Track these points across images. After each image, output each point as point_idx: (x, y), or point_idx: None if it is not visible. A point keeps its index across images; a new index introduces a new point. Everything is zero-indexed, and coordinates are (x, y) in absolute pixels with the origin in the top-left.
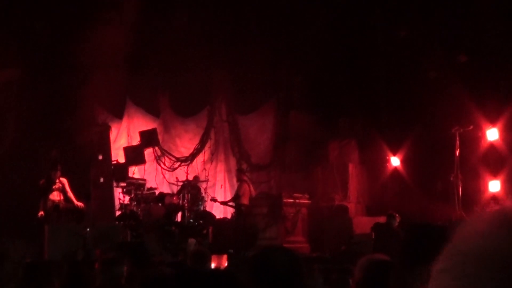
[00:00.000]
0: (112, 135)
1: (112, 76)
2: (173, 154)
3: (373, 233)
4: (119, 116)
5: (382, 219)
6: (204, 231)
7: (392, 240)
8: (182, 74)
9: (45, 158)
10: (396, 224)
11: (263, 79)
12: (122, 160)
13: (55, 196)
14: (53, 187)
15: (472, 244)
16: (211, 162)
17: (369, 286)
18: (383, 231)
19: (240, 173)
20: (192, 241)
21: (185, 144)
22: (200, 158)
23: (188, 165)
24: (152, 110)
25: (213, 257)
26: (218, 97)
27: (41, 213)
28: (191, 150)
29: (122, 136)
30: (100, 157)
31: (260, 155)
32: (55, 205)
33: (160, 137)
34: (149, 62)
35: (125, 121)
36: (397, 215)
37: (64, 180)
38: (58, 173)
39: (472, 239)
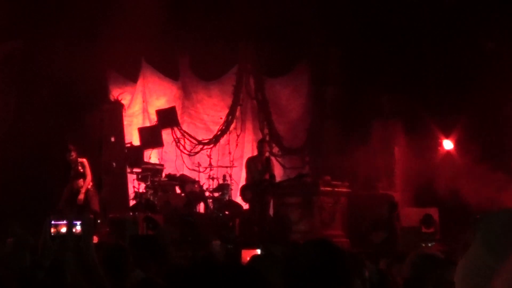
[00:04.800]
0: (126, 100)
1: (125, 35)
2: (195, 122)
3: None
4: (133, 79)
5: (432, 211)
6: (230, 224)
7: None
8: (205, 33)
9: (51, 138)
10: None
11: (295, 41)
12: (137, 142)
13: (77, 183)
14: (72, 173)
15: None
16: (237, 145)
17: (420, 282)
18: None
19: (263, 144)
20: (216, 243)
21: (207, 111)
22: (224, 141)
23: (211, 148)
24: (170, 73)
25: (244, 252)
26: (245, 58)
27: (59, 206)
28: (214, 119)
29: (137, 102)
30: (112, 139)
31: (293, 132)
32: (76, 194)
33: (179, 102)
34: (167, 21)
35: (139, 85)
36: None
37: (83, 160)
38: (72, 154)
39: None
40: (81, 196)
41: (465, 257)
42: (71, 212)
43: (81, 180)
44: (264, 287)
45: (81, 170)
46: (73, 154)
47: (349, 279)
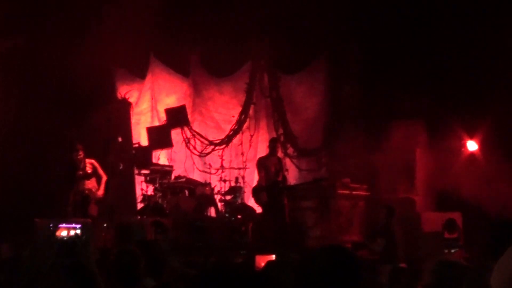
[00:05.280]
0: (133, 98)
1: (133, 30)
2: (206, 121)
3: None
4: (141, 75)
5: (455, 215)
6: (243, 228)
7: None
8: (217, 27)
9: (54, 138)
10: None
11: (312, 36)
12: (145, 142)
13: (84, 184)
14: (79, 173)
15: None
16: (250, 145)
17: None
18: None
19: (276, 144)
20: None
21: (219, 109)
22: (236, 141)
23: (223, 148)
24: (180, 69)
25: (258, 257)
26: (258, 54)
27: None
28: (226, 117)
29: (145, 99)
30: (120, 139)
31: (309, 132)
32: (84, 196)
33: (189, 100)
34: (177, 14)
35: (148, 81)
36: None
37: (92, 161)
38: (80, 153)
39: None
40: (101, 192)
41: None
42: (75, 215)
43: (89, 181)
44: None
45: (89, 171)
46: (81, 154)
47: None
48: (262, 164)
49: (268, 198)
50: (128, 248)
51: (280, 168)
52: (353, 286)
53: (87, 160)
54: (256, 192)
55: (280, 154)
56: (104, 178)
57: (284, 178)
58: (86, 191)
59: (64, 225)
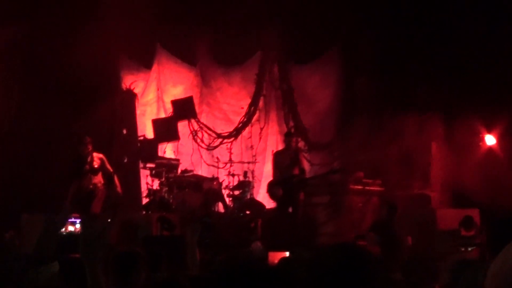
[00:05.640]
0: (139, 88)
1: (139, 18)
2: (214, 112)
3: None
4: (147, 65)
5: (472, 212)
6: (252, 224)
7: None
8: (225, 15)
9: (57, 131)
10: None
11: (325, 25)
12: (150, 134)
13: (89, 180)
14: (85, 167)
15: None
16: (260, 138)
17: None
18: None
19: (291, 138)
20: (257, 245)
21: (228, 99)
22: (246, 134)
23: (231, 142)
24: (187, 58)
25: (271, 254)
26: (269, 43)
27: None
28: (235, 108)
29: (151, 90)
30: (124, 132)
31: (321, 125)
32: (88, 192)
33: (197, 90)
34: (185, 2)
35: (154, 71)
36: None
37: (100, 156)
38: (89, 147)
39: None
40: (119, 189)
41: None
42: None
43: (95, 177)
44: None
45: (96, 166)
46: (89, 147)
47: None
48: (276, 158)
49: (283, 193)
50: (128, 250)
51: (297, 162)
52: (367, 285)
53: (95, 154)
54: (271, 187)
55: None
56: (114, 175)
57: (302, 171)
58: (91, 187)
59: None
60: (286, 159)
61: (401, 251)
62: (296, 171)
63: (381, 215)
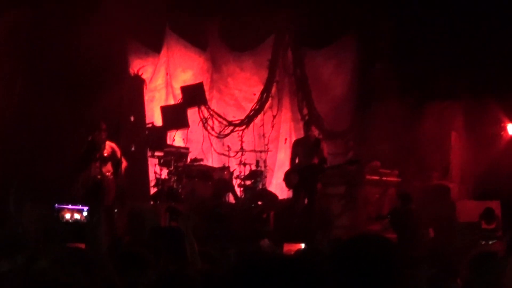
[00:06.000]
0: (147, 73)
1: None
2: (225, 99)
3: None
4: (156, 49)
5: (493, 204)
6: (264, 216)
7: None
8: None
9: (62, 120)
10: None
11: (341, 9)
12: (159, 122)
13: (98, 168)
14: (96, 155)
15: None
16: (273, 126)
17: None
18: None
19: (309, 126)
20: (265, 242)
21: (239, 85)
22: (258, 122)
23: (243, 130)
24: (197, 42)
25: (286, 245)
26: (282, 27)
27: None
28: (247, 95)
29: (160, 75)
30: (132, 119)
31: (336, 113)
32: (95, 181)
33: (207, 75)
34: None
35: (163, 56)
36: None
37: (113, 145)
38: (103, 134)
39: None
40: (118, 178)
41: None
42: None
43: (105, 166)
44: (316, 280)
45: (106, 155)
46: (104, 134)
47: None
48: (296, 146)
49: (299, 182)
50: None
51: (317, 151)
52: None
53: (108, 143)
54: (287, 175)
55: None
56: (124, 164)
57: (323, 160)
58: (99, 176)
59: (69, 206)
60: (305, 148)
61: (419, 244)
62: (316, 161)
63: (396, 206)
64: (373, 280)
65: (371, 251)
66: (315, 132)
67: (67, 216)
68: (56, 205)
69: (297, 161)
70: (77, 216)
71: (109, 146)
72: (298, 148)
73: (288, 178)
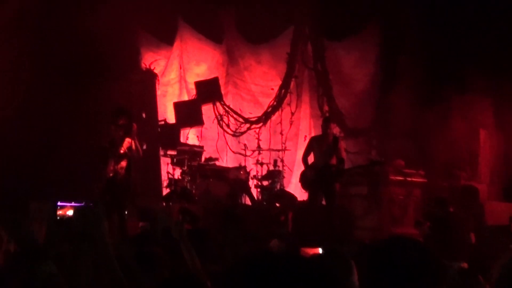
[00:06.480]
0: (160, 67)
1: None
2: (242, 94)
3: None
4: (169, 41)
5: None
6: (282, 218)
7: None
8: None
9: (68, 116)
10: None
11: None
12: (172, 118)
13: (111, 166)
14: (112, 153)
15: None
16: (291, 123)
17: None
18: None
19: (328, 124)
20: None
21: (256, 79)
22: (275, 119)
23: (260, 127)
24: (212, 34)
25: (302, 250)
26: (301, 17)
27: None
28: (264, 89)
29: (173, 68)
30: (143, 115)
31: (358, 109)
32: (108, 179)
33: (222, 69)
34: None
35: (176, 48)
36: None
37: (130, 141)
38: (121, 131)
39: None
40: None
41: None
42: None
43: (118, 163)
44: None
45: (121, 151)
46: (122, 131)
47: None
48: (312, 143)
49: (316, 182)
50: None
51: (335, 149)
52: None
53: (127, 139)
54: (303, 175)
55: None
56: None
57: (341, 160)
58: (111, 174)
59: (72, 204)
60: (322, 146)
61: (462, 250)
62: (333, 161)
63: (433, 210)
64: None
65: (408, 256)
66: (336, 130)
67: (70, 213)
68: (59, 203)
69: (310, 160)
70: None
71: (127, 142)
72: (313, 145)
73: (304, 178)
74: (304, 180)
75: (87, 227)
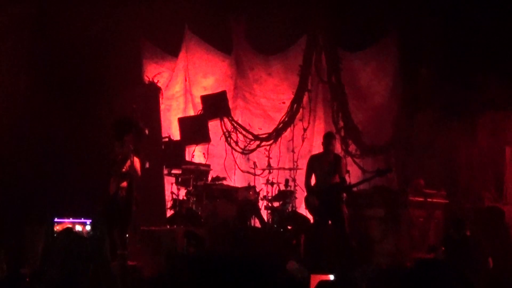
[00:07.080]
0: (164, 79)
1: None
2: (251, 108)
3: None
4: (173, 52)
5: None
6: (294, 241)
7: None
8: None
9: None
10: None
11: (382, 7)
12: (176, 134)
13: (113, 185)
14: (115, 170)
15: None
16: (303, 140)
17: None
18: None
19: (330, 140)
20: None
21: (267, 93)
22: (287, 136)
23: (270, 145)
24: (220, 44)
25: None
26: (315, 27)
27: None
28: (275, 103)
29: (178, 81)
30: (146, 132)
31: (376, 125)
32: (110, 197)
33: (231, 82)
34: None
35: (181, 59)
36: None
37: (137, 160)
38: (131, 146)
39: None
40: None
41: None
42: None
43: (120, 182)
44: None
45: (123, 170)
46: (128, 148)
47: None
48: (312, 162)
49: (320, 204)
50: None
51: (337, 168)
52: None
53: (134, 156)
54: (306, 200)
55: (338, 151)
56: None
57: (343, 180)
58: (112, 193)
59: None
60: (324, 165)
61: (479, 275)
62: (336, 180)
63: (449, 232)
64: None
65: (442, 279)
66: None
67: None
68: (56, 219)
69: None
70: (78, 228)
71: (129, 161)
72: (314, 165)
73: (308, 202)
74: (307, 205)
75: (71, 247)
